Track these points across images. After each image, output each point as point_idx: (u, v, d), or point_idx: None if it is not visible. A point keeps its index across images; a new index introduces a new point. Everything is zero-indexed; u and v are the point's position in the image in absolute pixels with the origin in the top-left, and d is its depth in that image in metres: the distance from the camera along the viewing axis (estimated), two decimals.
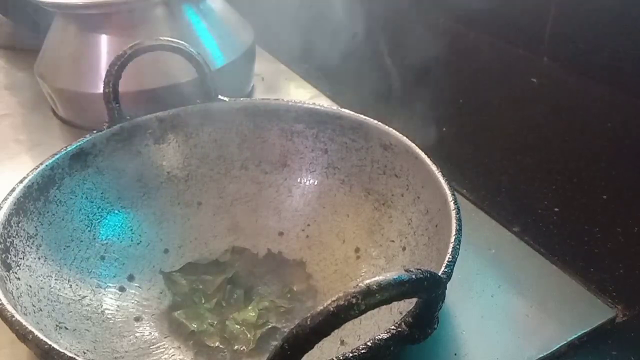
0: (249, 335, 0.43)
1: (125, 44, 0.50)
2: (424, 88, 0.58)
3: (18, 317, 0.34)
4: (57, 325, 0.39)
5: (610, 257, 0.44)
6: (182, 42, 0.52)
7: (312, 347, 0.25)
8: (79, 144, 0.49)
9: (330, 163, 0.52)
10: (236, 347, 0.42)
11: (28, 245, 0.42)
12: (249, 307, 0.45)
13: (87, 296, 0.44)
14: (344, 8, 0.63)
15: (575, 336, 0.41)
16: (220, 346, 0.42)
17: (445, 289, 0.30)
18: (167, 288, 0.47)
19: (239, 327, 0.44)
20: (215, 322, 0.44)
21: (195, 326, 0.44)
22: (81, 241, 0.47)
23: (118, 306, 0.45)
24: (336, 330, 0.24)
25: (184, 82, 0.61)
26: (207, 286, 0.47)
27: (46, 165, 0.46)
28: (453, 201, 0.40)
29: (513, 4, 0.46)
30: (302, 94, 0.74)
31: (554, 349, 0.40)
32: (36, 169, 0.45)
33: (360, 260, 0.47)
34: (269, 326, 0.44)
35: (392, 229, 0.47)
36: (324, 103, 0.55)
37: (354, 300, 0.24)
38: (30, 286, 0.40)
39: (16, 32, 0.95)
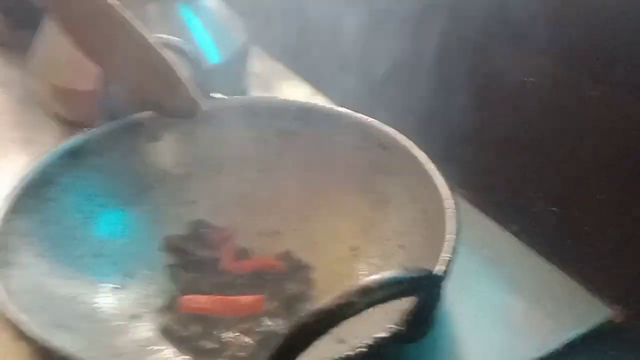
0: (246, 338, 0.43)
1: None
2: (421, 88, 0.58)
3: (14, 315, 0.33)
4: (53, 324, 0.39)
5: (609, 257, 0.44)
6: (176, 39, 0.52)
7: (310, 346, 0.25)
8: (73, 141, 0.49)
9: (327, 162, 0.52)
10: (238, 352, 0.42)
11: (23, 243, 0.42)
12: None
13: (83, 294, 0.44)
14: (340, 6, 0.62)
15: (574, 336, 0.41)
16: (220, 347, 0.42)
17: (443, 287, 0.30)
18: (169, 281, 0.47)
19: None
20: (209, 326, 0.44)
21: (186, 333, 0.43)
22: (76, 239, 0.46)
23: (114, 304, 0.44)
24: (334, 329, 0.24)
25: None
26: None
27: (40, 163, 0.46)
28: (450, 200, 0.40)
29: (512, 4, 0.46)
30: (297, 92, 0.74)
31: (552, 349, 0.40)
32: (30, 166, 0.45)
33: (358, 259, 0.47)
34: (268, 327, 0.43)
35: (389, 228, 0.47)
36: (320, 101, 0.55)
37: (352, 299, 0.24)
38: (26, 284, 0.40)
39: (8, 28, 0.95)
